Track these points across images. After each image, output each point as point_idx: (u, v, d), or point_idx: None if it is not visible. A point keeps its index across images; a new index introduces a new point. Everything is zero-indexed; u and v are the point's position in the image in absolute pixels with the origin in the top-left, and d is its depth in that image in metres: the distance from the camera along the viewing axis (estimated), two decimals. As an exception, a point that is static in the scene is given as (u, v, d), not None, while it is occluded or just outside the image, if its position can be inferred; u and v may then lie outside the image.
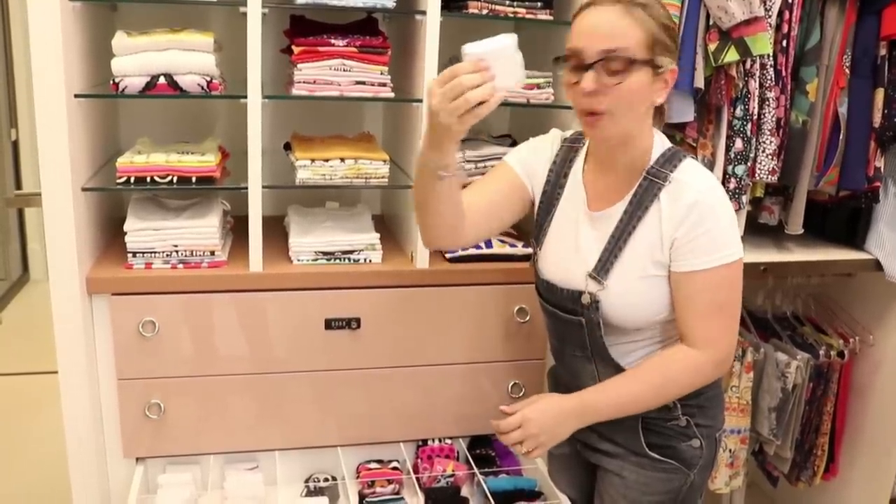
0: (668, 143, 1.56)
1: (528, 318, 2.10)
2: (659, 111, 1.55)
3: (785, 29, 2.09)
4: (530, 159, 1.70)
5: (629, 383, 1.57)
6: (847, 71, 2.15)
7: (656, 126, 1.56)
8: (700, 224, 1.47)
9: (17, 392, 3.79)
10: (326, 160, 1.97)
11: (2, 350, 4.29)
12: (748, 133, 2.11)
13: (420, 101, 1.95)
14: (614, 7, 1.42)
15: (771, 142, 2.13)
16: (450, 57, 2.14)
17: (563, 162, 1.66)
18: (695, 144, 2.15)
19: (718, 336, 1.54)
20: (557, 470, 1.93)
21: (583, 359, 1.65)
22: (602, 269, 1.54)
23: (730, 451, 2.45)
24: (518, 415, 1.57)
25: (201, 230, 1.94)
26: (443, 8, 1.92)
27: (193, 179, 1.89)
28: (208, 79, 1.84)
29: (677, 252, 1.50)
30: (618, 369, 1.60)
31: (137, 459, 2.01)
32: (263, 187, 1.91)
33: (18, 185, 5.02)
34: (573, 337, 1.63)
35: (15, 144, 4.98)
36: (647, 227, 1.52)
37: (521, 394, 2.14)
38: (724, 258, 1.49)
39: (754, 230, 2.39)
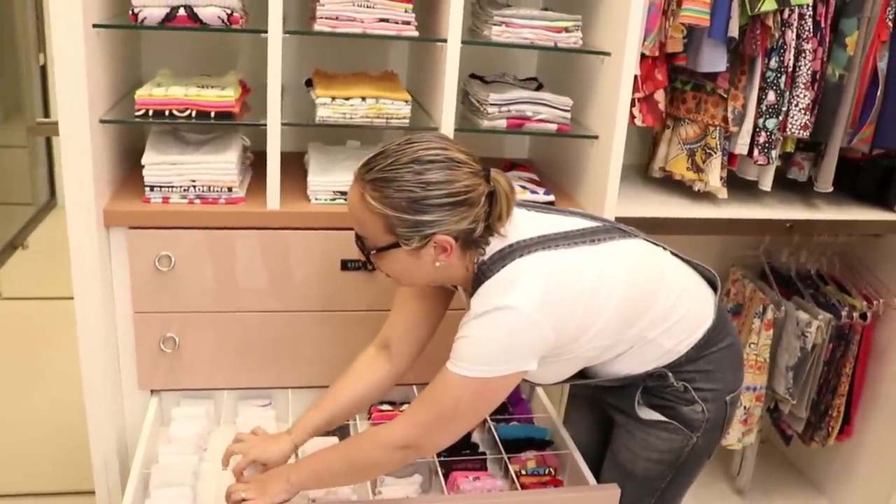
0: (500, 244, 1.47)
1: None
2: (475, 242, 1.46)
3: (827, -22, 2.02)
4: None
5: (328, 454, 1.58)
6: (890, 24, 2.07)
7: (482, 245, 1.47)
8: (470, 329, 1.43)
9: (41, 316, 3.86)
10: (347, 98, 1.93)
11: (28, 274, 4.35)
12: (782, 86, 2.05)
13: (444, 40, 1.90)
14: (356, 187, 1.43)
15: (805, 95, 2.07)
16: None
17: None
18: (726, 95, 2.10)
19: (412, 424, 1.49)
20: (576, 408, 1.98)
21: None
22: None
23: (744, 407, 2.45)
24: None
25: (219, 166, 1.92)
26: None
27: (212, 114, 1.86)
28: (229, 11, 1.80)
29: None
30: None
31: (152, 391, 2.03)
32: (283, 124, 1.89)
33: (46, 110, 5.02)
34: None
35: (43, 69, 4.97)
36: None
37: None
38: (457, 368, 1.42)
39: (783, 185, 2.34)
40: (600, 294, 1.49)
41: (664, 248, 1.67)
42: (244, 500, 1.54)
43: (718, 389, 1.64)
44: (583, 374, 1.65)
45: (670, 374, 1.60)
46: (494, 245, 1.47)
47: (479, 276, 1.47)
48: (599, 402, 1.81)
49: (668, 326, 1.58)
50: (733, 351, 1.69)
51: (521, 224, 1.51)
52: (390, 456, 1.51)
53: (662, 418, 1.65)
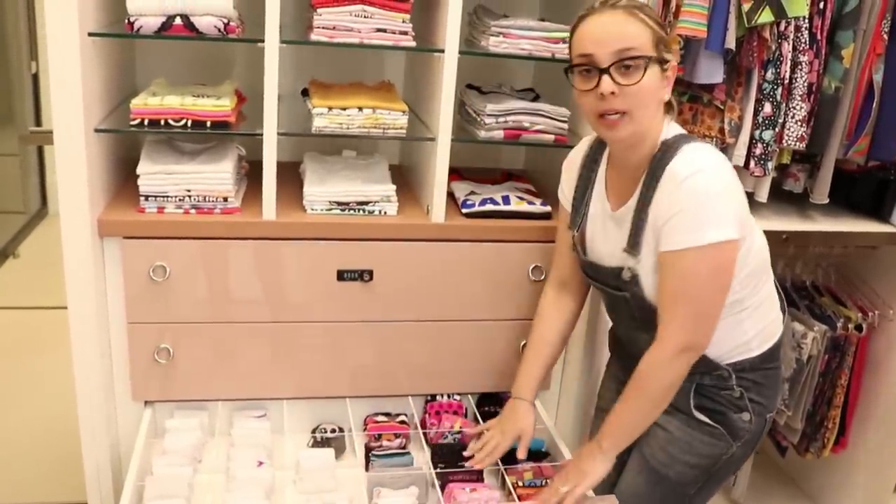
0: (679, 131, 1.59)
1: (542, 276, 2.07)
2: (668, 105, 1.59)
3: (823, -10, 2.02)
4: (567, 185, 1.82)
5: (625, 410, 1.63)
6: (885, 37, 2.08)
7: (666, 116, 1.59)
8: (681, 202, 1.47)
9: (33, 325, 3.83)
10: (344, 109, 1.92)
11: (19, 284, 4.33)
12: (778, 97, 2.05)
13: (442, 51, 1.90)
14: (616, 11, 1.49)
15: (801, 107, 2.07)
16: (475, 7, 2.09)
17: (591, 163, 1.73)
18: (722, 107, 2.10)
19: (677, 328, 1.53)
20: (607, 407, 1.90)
21: (635, 328, 1.69)
22: (633, 243, 1.58)
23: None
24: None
25: (215, 175, 1.91)
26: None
27: (208, 124, 1.85)
28: (225, 21, 1.79)
29: (661, 231, 1.51)
30: None
31: (146, 403, 2.01)
32: (279, 134, 1.88)
33: (38, 118, 5.01)
34: (623, 309, 1.69)
35: (35, 77, 4.95)
36: (653, 207, 1.54)
37: (532, 353, 2.12)
38: (698, 240, 1.45)
39: (778, 197, 2.34)
40: (750, 226, 1.59)
41: None
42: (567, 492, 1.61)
43: (764, 405, 1.69)
44: None
45: (733, 376, 1.64)
46: (674, 130, 1.58)
47: (661, 155, 1.53)
48: None
49: (760, 314, 1.65)
50: (779, 374, 1.74)
51: None
52: (675, 368, 1.56)
53: (710, 422, 1.67)
